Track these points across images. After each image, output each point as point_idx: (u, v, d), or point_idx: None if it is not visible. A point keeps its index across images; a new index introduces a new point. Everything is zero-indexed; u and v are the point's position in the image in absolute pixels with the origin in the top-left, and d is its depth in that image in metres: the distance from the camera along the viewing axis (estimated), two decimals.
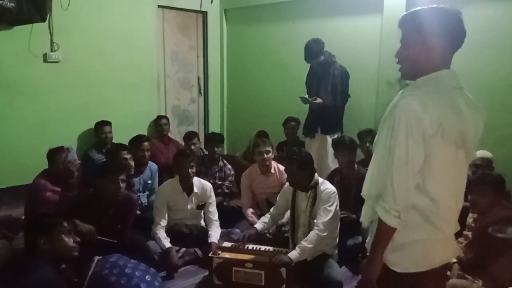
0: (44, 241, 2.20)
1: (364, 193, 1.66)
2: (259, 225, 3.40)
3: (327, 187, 3.16)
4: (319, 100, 4.24)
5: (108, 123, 4.67)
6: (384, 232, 1.55)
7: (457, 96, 1.53)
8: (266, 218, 3.45)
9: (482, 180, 2.87)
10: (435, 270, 1.62)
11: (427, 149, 1.47)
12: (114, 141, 4.64)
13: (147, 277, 2.55)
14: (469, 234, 3.01)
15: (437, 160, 1.49)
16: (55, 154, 3.57)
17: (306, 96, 4.31)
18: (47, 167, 3.60)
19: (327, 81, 4.24)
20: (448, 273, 2.94)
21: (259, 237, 3.35)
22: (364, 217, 1.69)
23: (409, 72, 1.61)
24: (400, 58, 1.63)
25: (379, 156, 1.57)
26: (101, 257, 2.65)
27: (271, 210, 3.52)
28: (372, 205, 1.60)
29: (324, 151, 4.36)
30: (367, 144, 4.26)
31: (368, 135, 4.29)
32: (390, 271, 1.60)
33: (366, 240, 1.77)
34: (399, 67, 1.65)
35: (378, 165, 1.58)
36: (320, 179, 3.23)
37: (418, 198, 1.53)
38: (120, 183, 3.15)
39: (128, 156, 3.90)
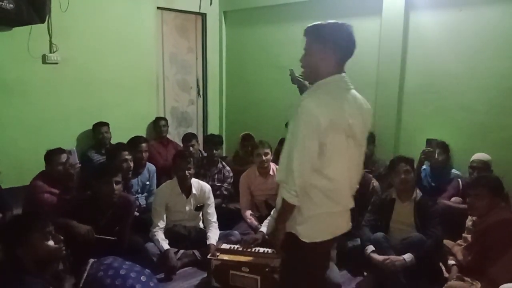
0: (23, 251, 2.01)
1: (277, 179, 1.96)
2: (265, 229, 3.39)
3: None
4: (308, 84, 4.16)
5: (105, 124, 4.66)
6: (286, 208, 1.88)
7: (347, 96, 1.89)
8: (269, 221, 3.44)
9: (478, 183, 2.87)
10: (335, 239, 2.04)
11: (322, 140, 1.79)
12: (113, 142, 4.63)
13: (142, 278, 2.53)
14: (468, 236, 3.01)
15: (330, 148, 1.82)
16: (52, 155, 3.56)
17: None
18: (44, 169, 3.59)
19: None
20: (447, 275, 2.95)
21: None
22: (278, 199, 1.94)
23: (310, 76, 1.97)
24: (303, 63, 1.95)
25: (286, 148, 1.88)
26: (95, 259, 2.63)
27: (272, 213, 3.51)
28: None
29: None
30: None
31: None
32: (300, 241, 1.91)
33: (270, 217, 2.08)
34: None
35: (286, 155, 1.86)
36: None
37: (318, 179, 1.85)
38: (114, 185, 3.14)
39: (129, 157, 3.89)
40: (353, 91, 1.94)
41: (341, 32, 1.87)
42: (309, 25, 1.93)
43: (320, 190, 1.87)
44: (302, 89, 4.23)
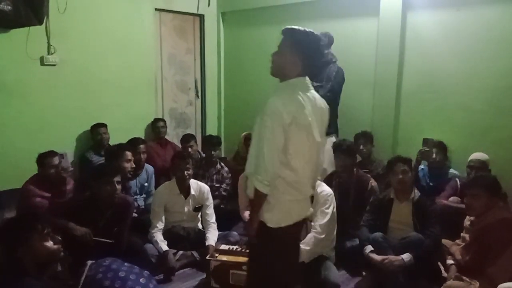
0: (23, 252, 2.04)
1: (245, 172, 2.12)
2: None
3: (323, 189, 3.15)
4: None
5: (103, 125, 4.66)
6: (259, 197, 2.05)
7: (307, 96, 2.10)
8: None
9: (475, 183, 2.87)
10: (297, 224, 2.22)
11: (286, 135, 2.00)
12: (111, 143, 4.62)
13: (142, 280, 2.53)
14: (466, 236, 3.01)
15: (293, 142, 2.03)
16: (45, 158, 3.54)
17: None
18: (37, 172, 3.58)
19: (321, 76, 4.20)
20: (446, 274, 2.96)
21: None
22: (250, 190, 2.10)
23: (275, 72, 2.17)
24: (273, 59, 2.17)
25: (255, 142, 2.05)
26: (94, 261, 2.63)
27: None
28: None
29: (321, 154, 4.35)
30: (361, 147, 4.26)
31: (361, 137, 4.29)
32: (267, 228, 2.10)
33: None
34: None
35: (255, 149, 2.04)
36: (317, 181, 3.22)
37: (283, 170, 2.05)
38: (116, 185, 3.15)
39: (132, 158, 3.88)
40: (312, 92, 2.15)
41: (311, 42, 2.08)
42: (287, 27, 2.11)
43: (284, 180, 2.07)
44: None
